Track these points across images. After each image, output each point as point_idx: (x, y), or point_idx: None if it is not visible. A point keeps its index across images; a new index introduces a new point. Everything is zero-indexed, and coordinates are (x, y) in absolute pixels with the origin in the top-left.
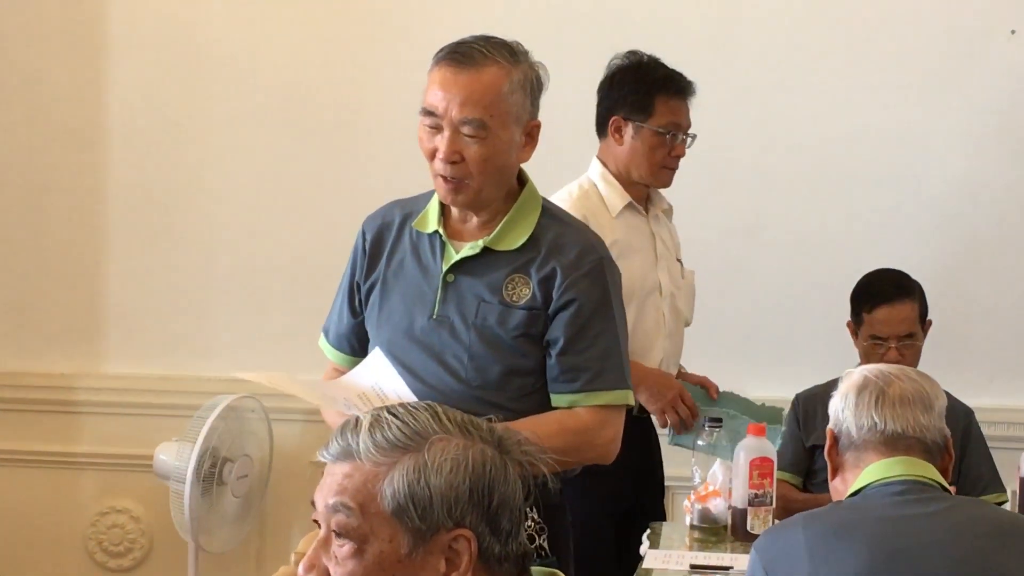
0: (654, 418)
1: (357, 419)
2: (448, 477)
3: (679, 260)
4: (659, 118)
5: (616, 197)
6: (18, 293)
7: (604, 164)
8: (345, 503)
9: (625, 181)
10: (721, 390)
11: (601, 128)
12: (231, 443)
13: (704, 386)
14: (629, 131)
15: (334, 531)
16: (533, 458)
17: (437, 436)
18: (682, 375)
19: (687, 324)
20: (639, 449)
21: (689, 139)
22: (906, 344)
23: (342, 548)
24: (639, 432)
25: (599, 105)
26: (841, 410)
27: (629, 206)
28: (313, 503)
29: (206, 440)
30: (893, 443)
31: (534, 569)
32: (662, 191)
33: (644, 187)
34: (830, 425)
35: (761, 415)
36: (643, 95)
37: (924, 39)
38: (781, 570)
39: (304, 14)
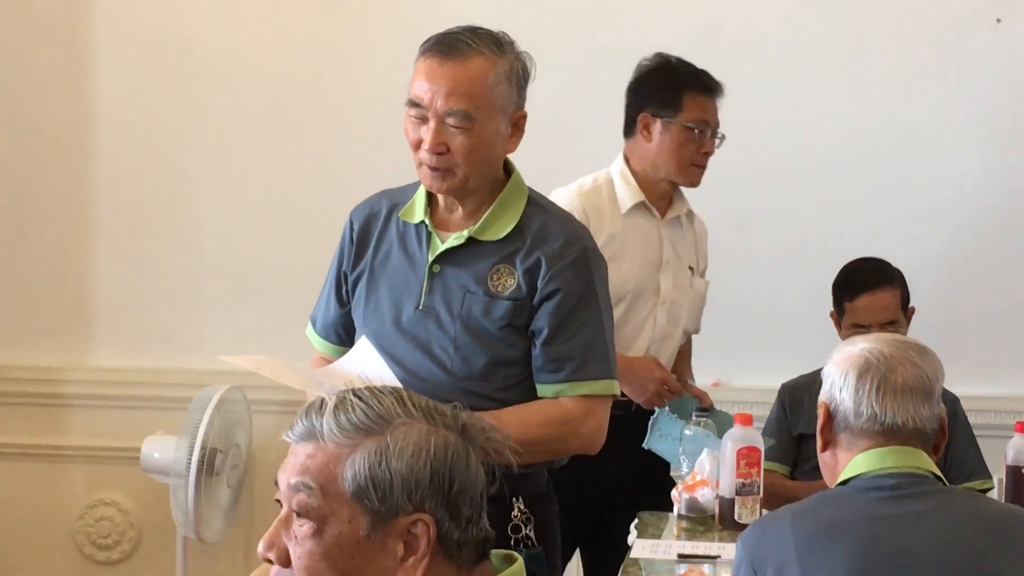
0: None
1: (322, 400)
2: (409, 461)
3: (691, 268)
4: (688, 113)
5: (629, 194)
6: (5, 286)
7: (627, 161)
8: (307, 483)
9: (646, 180)
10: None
11: (629, 127)
12: (220, 434)
13: (700, 400)
14: (658, 127)
15: (295, 511)
16: (498, 445)
17: (400, 420)
18: (686, 386)
19: (694, 332)
20: (635, 442)
21: (719, 139)
22: (888, 331)
23: (302, 528)
24: (635, 425)
25: (628, 105)
26: (839, 388)
27: (640, 205)
28: (276, 483)
29: (202, 433)
30: (891, 434)
31: (493, 552)
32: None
33: (668, 186)
34: (824, 399)
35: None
36: (672, 91)
37: (910, 29)
38: (769, 568)
39: (289, 11)
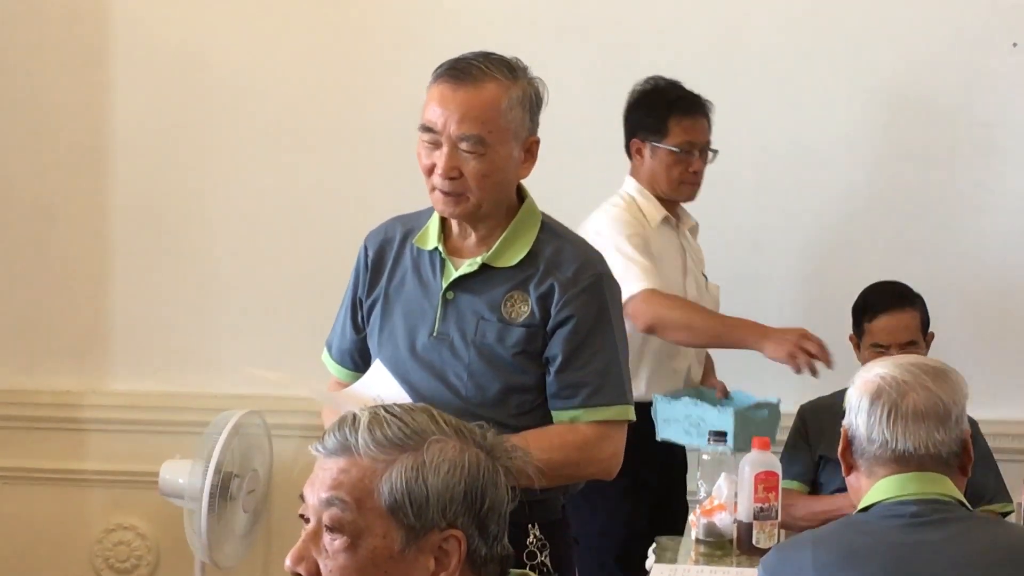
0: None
1: (355, 416)
2: (445, 478)
3: (703, 274)
4: (673, 137)
5: (654, 210)
6: (23, 310)
7: (637, 181)
8: (341, 497)
9: (656, 196)
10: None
11: (627, 150)
12: (238, 459)
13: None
14: (647, 151)
15: (327, 525)
16: (522, 464)
17: (435, 437)
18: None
19: None
20: (661, 471)
21: (711, 154)
22: (908, 352)
23: (335, 542)
24: (663, 453)
25: (624, 130)
26: (855, 414)
27: (666, 219)
28: (302, 496)
29: (218, 457)
30: (905, 461)
31: (512, 572)
32: (689, 211)
33: (673, 203)
34: (844, 423)
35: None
36: (657, 118)
37: (926, 51)
38: None
39: (306, 29)
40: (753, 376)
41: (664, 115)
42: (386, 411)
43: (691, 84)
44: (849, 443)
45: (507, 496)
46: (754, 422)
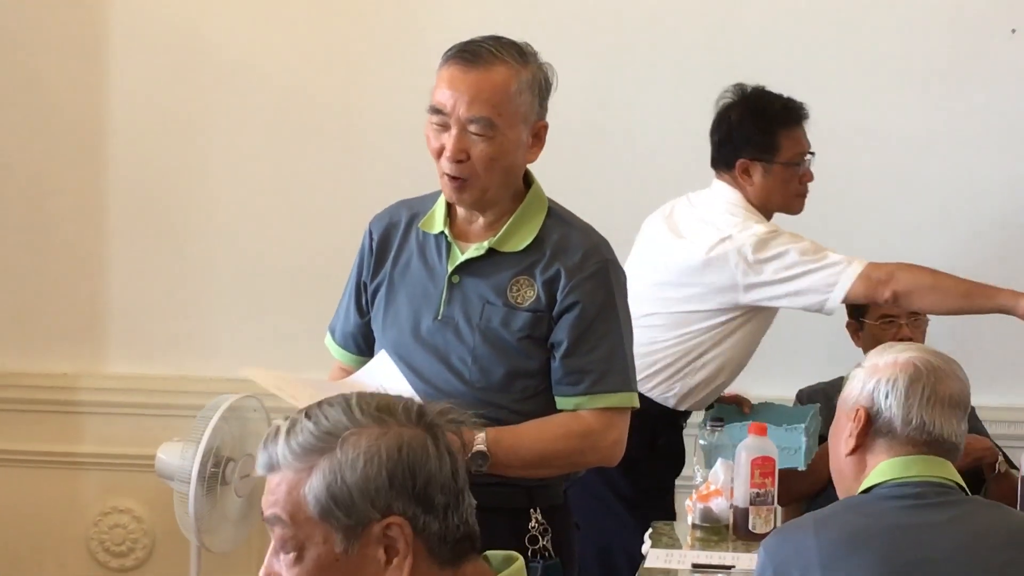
0: None
1: (277, 428)
2: (363, 471)
3: None
4: (786, 152)
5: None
6: (20, 293)
7: (747, 200)
8: (277, 515)
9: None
10: (755, 403)
11: (725, 166)
12: (233, 443)
13: (738, 403)
14: (759, 171)
15: (276, 542)
16: (463, 422)
17: (349, 432)
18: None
19: None
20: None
21: (810, 158)
22: (914, 323)
23: (287, 556)
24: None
25: (719, 146)
26: (884, 394)
27: None
28: (262, 513)
29: (209, 440)
30: (933, 445)
31: (492, 553)
32: None
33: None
34: (862, 403)
35: (793, 416)
36: (766, 134)
37: (924, 38)
38: (793, 575)
39: (307, 15)
40: (760, 370)
41: (773, 130)
42: (305, 416)
43: (686, 73)
44: (870, 422)
45: (447, 463)
46: (815, 433)
